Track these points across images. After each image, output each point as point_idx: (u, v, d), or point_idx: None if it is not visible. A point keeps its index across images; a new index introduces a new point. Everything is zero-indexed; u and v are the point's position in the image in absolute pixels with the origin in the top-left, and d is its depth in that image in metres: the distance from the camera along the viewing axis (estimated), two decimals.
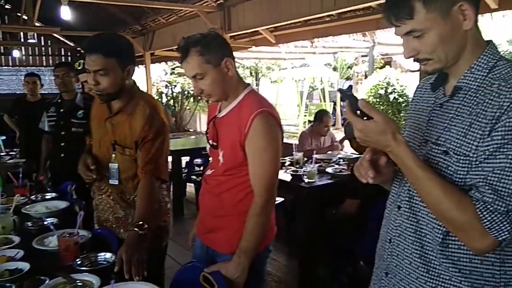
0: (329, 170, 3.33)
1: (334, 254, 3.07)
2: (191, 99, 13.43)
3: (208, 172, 1.71)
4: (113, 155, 1.85)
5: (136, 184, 1.84)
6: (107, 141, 1.88)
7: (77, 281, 1.44)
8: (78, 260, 1.60)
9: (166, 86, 13.29)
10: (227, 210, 1.64)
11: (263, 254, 1.67)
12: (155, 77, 10.94)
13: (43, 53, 12.09)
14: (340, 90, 1.03)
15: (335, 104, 13.73)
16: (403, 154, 0.96)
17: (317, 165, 3.29)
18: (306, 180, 3.06)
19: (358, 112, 0.97)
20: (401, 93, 9.48)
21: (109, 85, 1.73)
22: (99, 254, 1.67)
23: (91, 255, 1.66)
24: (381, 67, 12.41)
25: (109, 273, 1.55)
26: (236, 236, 1.56)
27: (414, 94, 1.22)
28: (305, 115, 12.93)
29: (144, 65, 8.82)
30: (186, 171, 5.23)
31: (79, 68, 2.76)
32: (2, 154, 4.56)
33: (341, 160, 3.74)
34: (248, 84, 1.65)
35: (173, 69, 12.73)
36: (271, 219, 1.66)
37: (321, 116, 4.17)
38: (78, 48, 11.12)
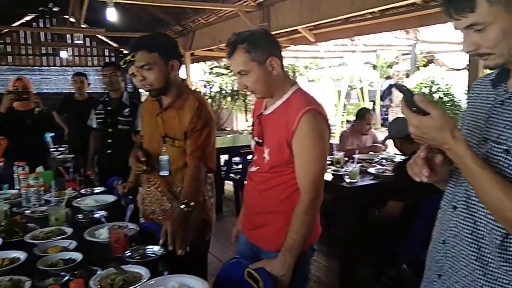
0: (371, 170, 3.27)
1: (376, 255, 3.01)
2: (229, 99, 13.56)
3: (253, 169, 1.72)
4: (164, 148, 1.93)
5: (184, 175, 1.94)
6: (158, 135, 1.98)
7: (128, 273, 1.48)
8: (127, 252, 1.66)
9: (205, 86, 13.48)
10: (272, 207, 1.64)
11: (307, 252, 1.67)
12: (194, 77, 11.12)
13: (88, 54, 12.58)
14: (395, 84, 1.01)
15: (374, 103, 13.45)
16: (461, 152, 0.92)
17: (359, 165, 3.23)
18: (348, 180, 3.01)
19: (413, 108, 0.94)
20: (446, 92, 9.16)
21: (155, 79, 1.85)
22: (147, 247, 1.72)
23: (140, 247, 1.72)
24: (424, 66, 12.03)
25: (158, 266, 1.60)
26: (281, 234, 1.56)
27: (471, 91, 1.17)
28: (342, 115, 12.75)
29: (184, 65, 8.99)
30: (224, 169, 5.28)
31: (123, 65, 2.85)
32: (51, 150, 4.78)
33: (384, 160, 3.66)
34: (296, 82, 1.65)
35: (211, 68, 12.89)
36: (317, 218, 1.65)
37: (363, 113, 4.11)
38: (121, 49, 11.48)
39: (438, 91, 9.14)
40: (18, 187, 2.65)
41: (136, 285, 1.39)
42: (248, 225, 1.75)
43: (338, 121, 12.49)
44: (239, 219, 1.89)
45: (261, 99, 1.70)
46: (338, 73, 12.48)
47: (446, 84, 9.27)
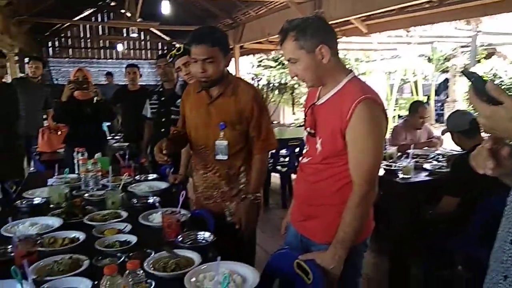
0: (426, 166, 3.12)
1: (429, 253, 2.88)
2: (276, 92, 13.52)
3: (305, 160, 1.69)
4: (221, 134, 2.00)
5: (243, 157, 2.08)
6: (213, 123, 2.03)
7: (180, 257, 1.52)
8: (179, 237, 1.69)
9: (252, 79, 13.52)
10: (324, 199, 1.61)
11: (359, 247, 1.62)
12: (242, 70, 11.19)
13: (142, 48, 13.03)
14: (464, 71, 0.94)
15: (428, 98, 12.88)
16: None
17: (414, 160, 3.10)
18: (401, 176, 2.90)
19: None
20: (510, 86, 8.59)
21: (214, 72, 1.92)
22: (198, 233, 1.75)
23: (191, 233, 1.75)
24: (485, 58, 11.34)
25: (209, 252, 1.62)
26: (333, 226, 1.53)
27: None
28: (394, 109, 12.33)
29: (233, 58, 9.07)
30: (271, 161, 5.28)
31: (169, 60, 2.93)
32: (108, 138, 5.00)
33: (440, 156, 3.49)
34: (351, 71, 1.59)
35: (260, 61, 12.90)
36: (370, 212, 1.60)
37: (416, 107, 3.93)
38: (173, 42, 11.76)
39: (501, 84, 8.58)
40: (77, 172, 2.79)
41: (188, 269, 1.41)
42: (298, 216, 1.73)
43: (390, 116, 12.11)
44: (289, 210, 1.87)
45: (314, 89, 1.67)
46: (390, 66, 12.05)
47: (510, 78, 8.69)
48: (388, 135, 4.07)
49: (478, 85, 0.88)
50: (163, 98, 3.51)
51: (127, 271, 1.11)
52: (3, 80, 3.19)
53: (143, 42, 12.92)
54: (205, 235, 1.72)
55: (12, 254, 1.51)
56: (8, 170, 3.17)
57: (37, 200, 2.22)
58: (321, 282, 1.43)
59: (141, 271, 1.12)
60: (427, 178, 2.95)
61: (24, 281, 1.10)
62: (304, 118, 1.72)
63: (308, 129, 1.67)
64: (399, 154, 3.46)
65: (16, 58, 6.88)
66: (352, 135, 1.48)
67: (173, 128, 2.39)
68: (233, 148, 2.03)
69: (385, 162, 3.28)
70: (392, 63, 12.07)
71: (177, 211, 1.81)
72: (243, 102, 2.01)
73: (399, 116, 11.71)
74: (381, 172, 3.07)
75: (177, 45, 3.38)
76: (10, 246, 1.58)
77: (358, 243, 1.58)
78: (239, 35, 8.77)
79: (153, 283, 1.33)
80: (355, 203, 1.48)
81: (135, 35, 9.27)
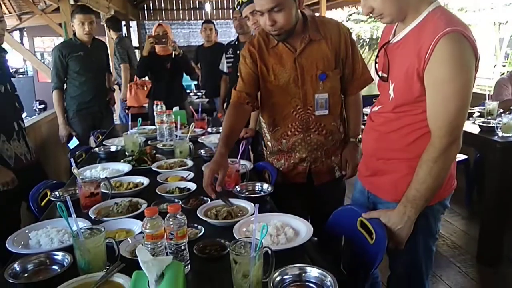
0: None
1: None
2: (367, 48, 12.75)
3: (375, 108, 1.50)
4: (321, 87, 1.78)
5: (341, 104, 1.91)
6: (307, 77, 1.78)
7: (234, 206, 1.47)
8: (238, 186, 1.65)
9: None
10: (395, 153, 1.41)
11: (435, 208, 1.41)
12: None
13: (231, 7, 13.02)
14: None
15: None
16: None
17: None
18: (500, 134, 2.52)
19: None
20: None
21: (287, 21, 1.64)
22: (257, 184, 1.69)
23: (250, 184, 1.70)
24: None
25: (265, 202, 1.56)
26: (404, 183, 1.34)
27: None
28: (503, 65, 10.91)
29: (319, 13, 8.63)
30: None
31: (237, 7, 2.74)
32: (191, 94, 5.14)
33: None
34: (434, 0, 1.32)
35: (350, 15, 12.18)
36: (452, 170, 1.37)
37: None
38: None
39: None
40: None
41: (239, 219, 1.36)
42: (365, 171, 1.56)
43: (497, 74, 10.76)
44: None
45: (391, 25, 1.43)
46: (502, 17, 10.56)
47: None
48: (488, 90, 3.57)
49: None
50: (238, 52, 3.43)
51: (168, 215, 1.07)
52: (96, 36, 3.40)
53: (231, 1, 12.91)
54: (263, 186, 1.66)
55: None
56: (98, 122, 3.40)
57: (113, 148, 2.33)
58: (384, 244, 1.28)
59: (183, 216, 1.08)
60: None
61: (69, 218, 1.12)
62: (376, 60, 1.50)
63: (380, 72, 1.46)
64: (501, 110, 3.02)
65: None
66: (432, 77, 1.23)
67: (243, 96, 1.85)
68: (333, 98, 1.82)
69: (482, 119, 2.89)
70: (504, 13, 10.57)
71: (237, 161, 1.75)
72: (335, 41, 1.76)
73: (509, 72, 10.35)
74: (476, 129, 2.70)
75: None
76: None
77: (434, 203, 1.38)
78: None
79: (203, 229, 1.31)
80: (433, 157, 1.25)
81: None
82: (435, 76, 1.22)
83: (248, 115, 1.95)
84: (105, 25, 5.54)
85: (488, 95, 3.27)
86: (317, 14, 8.64)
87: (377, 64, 1.48)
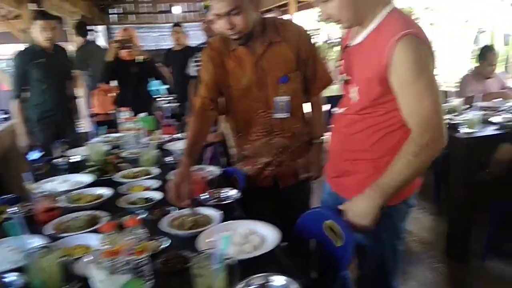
0: (495, 119, 2.74)
1: (495, 219, 2.58)
2: (337, 48, 12.90)
3: (339, 110, 1.49)
4: (282, 89, 1.75)
5: (302, 111, 1.89)
6: (269, 80, 1.76)
7: (200, 214, 1.43)
8: (204, 194, 1.61)
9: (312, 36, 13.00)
10: (360, 153, 1.41)
11: (400, 207, 1.42)
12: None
13: (199, 10, 12.93)
14: None
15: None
16: None
17: (481, 113, 2.74)
18: (464, 130, 2.57)
19: None
20: None
21: (245, 24, 1.61)
22: (223, 191, 1.65)
23: (216, 191, 1.66)
24: None
25: (233, 210, 1.53)
26: (370, 183, 1.32)
27: None
28: (469, 62, 11.28)
29: (289, 14, 8.65)
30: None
31: (202, 12, 2.72)
32: (161, 99, 5.05)
33: None
34: (390, 2, 1.33)
35: (320, 15, 12.28)
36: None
37: (484, 53, 3.44)
38: None
39: None
40: None
41: (205, 228, 1.33)
42: (332, 172, 1.55)
43: (463, 70, 11.10)
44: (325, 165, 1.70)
45: (349, 28, 1.43)
46: (466, 14, 10.90)
47: None
48: (454, 87, 3.66)
49: None
50: None
51: (126, 229, 1.03)
52: (57, 43, 3.30)
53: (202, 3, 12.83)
54: (230, 193, 1.63)
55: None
56: (61, 130, 3.29)
57: (75, 158, 2.25)
58: (351, 246, 1.27)
59: (143, 229, 1.04)
60: (495, 132, 2.58)
61: (20, 236, 1.06)
62: (339, 63, 1.50)
63: (343, 75, 1.46)
64: (465, 106, 3.09)
65: None
66: (397, 80, 1.23)
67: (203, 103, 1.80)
68: (295, 100, 1.80)
69: (447, 116, 2.95)
70: (467, 10, 10.92)
71: (203, 168, 1.72)
72: (295, 44, 1.74)
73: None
74: None
75: None
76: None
77: (398, 202, 1.38)
78: None
79: (167, 241, 1.27)
80: (413, 151, 1.22)
81: None
82: (400, 79, 1.23)
83: (213, 121, 1.90)
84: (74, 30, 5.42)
85: (452, 92, 3.34)
86: (287, 15, 8.67)
87: (340, 67, 1.48)
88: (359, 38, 1.34)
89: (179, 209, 1.50)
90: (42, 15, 3.22)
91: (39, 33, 3.12)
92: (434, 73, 1.24)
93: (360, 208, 1.28)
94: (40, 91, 3.18)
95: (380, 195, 1.25)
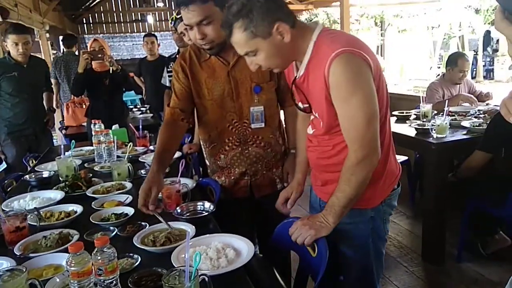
0: (465, 123, 2.82)
1: (468, 220, 2.64)
2: None
3: (310, 131, 1.49)
4: (256, 99, 1.74)
5: (279, 115, 1.87)
6: (243, 90, 1.76)
7: (173, 229, 1.41)
8: (178, 208, 1.59)
9: None
10: (336, 166, 1.41)
11: (382, 209, 1.44)
12: None
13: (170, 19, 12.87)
14: None
15: (476, 53, 11.99)
16: None
17: (450, 118, 2.81)
18: (435, 136, 2.63)
19: None
20: None
21: (216, 33, 1.59)
22: (199, 204, 1.63)
23: (191, 204, 1.64)
24: None
25: (207, 223, 1.51)
26: None
27: None
28: (438, 67, 11.60)
29: None
30: None
31: (171, 23, 2.71)
32: (135, 110, 4.98)
33: (481, 112, 3.15)
34: (316, 25, 1.33)
35: None
36: (392, 168, 1.43)
37: (454, 59, 3.52)
38: None
39: None
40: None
41: (178, 243, 1.30)
42: (316, 181, 1.56)
43: (433, 75, 11.40)
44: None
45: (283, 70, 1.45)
46: (433, 21, 11.24)
47: None
48: (423, 94, 3.75)
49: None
50: None
51: (95, 249, 1.00)
52: (32, 54, 3.25)
53: (173, 12, 12.78)
54: (205, 205, 1.61)
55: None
56: (34, 145, 3.21)
57: (45, 174, 2.19)
58: (326, 257, 1.27)
59: (111, 249, 1.01)
60: (465, 136, 2.65)
61: None
62: (292, 96, 1.48)
63: (299, 104, 1.45)
64: (435, 112, 3.17)
65: (47, 35, 6.94)
66: (335, 98, 1.26)
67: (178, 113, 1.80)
68: (269, 110, 1.80)
69: (418, 122, 3.01)
70: (435, 18, 11.26)
71: (177, 180, 1.69)
72: None
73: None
74: (413, 132, 2.81)
75: None
76: None
77: (379, 204, 1.42)
78: None
79: (139, 258, 1.24)
80: (350, 169, 1.29)
81: (161, 4, 9.13)
82: (337, 97, 1.25)
83: (183, 132, 1.88)
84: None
85: (423, 97, 3.42)
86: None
87: (294, 98, 1.47)
88: (301, 70, 1.35)
89: (151, 225, 1.47)
90: (14, 28, 3.15)
91: (12, 47, 3.07)
92: (373, 85, 1.25)
93: (315, 226, 1.33)
94: (10, 105, 3.13)
95: (330, 214, 1.32)
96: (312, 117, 1.48)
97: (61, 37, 5.29)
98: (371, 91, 1.24)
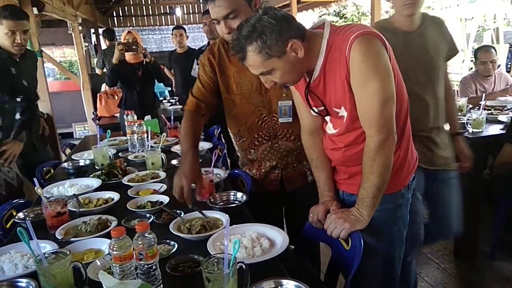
0: (502, 118, 2.73)
1: (502, 217, 2.56)
2: None
3: (331, 131, 1.45)
4: (284, 94, 1.71)
5: None
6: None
7: (208, 218, 1.43)
8: (211, 197, 1.61)
9: None
10: (360, 160, 1.40)
11: (395, 197, 1.42)
12: None
13: (201, 11, 12.95)
14: None
15: (511, 46, 11.52)
16: None
17: (486, 112, 2.73)
18: (471, 130, 2.56)
19: None
20: None
21: None
22: (231, 194, 1.65)
23: (224, 194, 1.66)
24: None
25: (240, 212, 1.53)
26: None
27: None
28: (471, 60, 11.20)
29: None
30: None
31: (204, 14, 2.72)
32: (165, 101, 5.06)
33: None
34: (323, 22, 1.32)
35: (320, 16, 12.30)
36: (409, 156, 1.42)
37: (475, 52, 3.46)
38: None
39: None
40: None
41: (213, 231, 1.32)
42: (342, 174, 1.53)
43: (465, 69, 11.05)
44: None
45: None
46: (467, 13, 10.84)
47: None
48: (456, 87, 3.64)
49: None
50: None
51: (136, 234, 1.03)
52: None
53: (201, 5, 12.83)
54: (237, 196, 1.63)
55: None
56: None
57: (82, 162, 2.26)
58: (360, 249, 1.27)
59: (152, 234, 1.04)
60: (502, 131, 2.57)
61: (31, 241, 1.06)
62: (306, 101, 1.44)
63: (314, 108, 1.42)
64: (470, 106, 3.08)
65: (80, 28, 7.10)
66: (355, 81, 1.24)
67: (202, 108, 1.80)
68: None
69: None
70: (469, 9, 10.87)
71: (210, 171, 1.71)
72: None
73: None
74: (447, 126, 2.73)
75: None
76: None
77: (390, 192, 1.39)
78: None
79: (176, 245, 1.27)
80: (370, 156, 1.28)
81: None
82: (357, 80, 1.24)
83: (202, 125, 1.85)
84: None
85: (456, 91, 3.33)
86: None
87: (310, 104, 1.43)
88: (315, 73, 1.33)
89: (187, 213, 1.49)
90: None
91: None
92: (390, 70, 1.24)
93: (351, 221, 1.34)
94: None
95: (362, 207, 1.33)
96: (327, 118, 1.45)
97: (100, 31, 5.49)
98: (389, 73, 1.24)
